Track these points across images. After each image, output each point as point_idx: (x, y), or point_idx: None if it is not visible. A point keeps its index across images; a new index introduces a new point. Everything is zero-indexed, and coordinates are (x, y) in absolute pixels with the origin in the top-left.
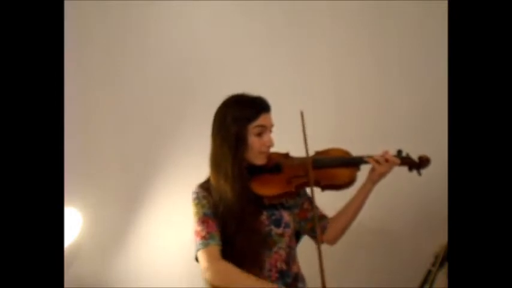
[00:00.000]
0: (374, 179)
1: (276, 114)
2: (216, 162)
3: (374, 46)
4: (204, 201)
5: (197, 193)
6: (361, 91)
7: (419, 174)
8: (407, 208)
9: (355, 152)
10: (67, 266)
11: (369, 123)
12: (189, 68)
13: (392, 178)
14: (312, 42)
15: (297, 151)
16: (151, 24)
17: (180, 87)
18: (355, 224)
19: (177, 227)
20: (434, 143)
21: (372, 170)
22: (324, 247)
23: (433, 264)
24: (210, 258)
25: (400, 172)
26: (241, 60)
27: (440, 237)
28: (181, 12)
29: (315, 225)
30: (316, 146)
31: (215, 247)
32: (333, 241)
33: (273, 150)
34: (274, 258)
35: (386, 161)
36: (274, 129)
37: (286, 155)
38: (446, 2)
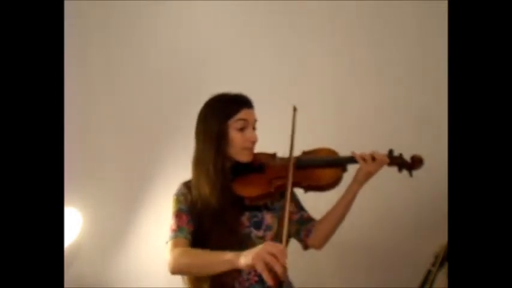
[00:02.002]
0: (360, 179)
1: (275, 114)
2: (197, 160)
3: (374, 46)
4: (182, 198)
5: (178, 190)
6: (361, 91)
7: (411, 175)
8: (407, 208)
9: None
10: (67, 266)
11: (368, 123)
12: (189, 67)
13: (392, 177)
14: (312, 42)
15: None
16: (151, 24)
17: (180, 87)
18: (354, 223)
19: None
20: (434, 142)
21: (359, 169)
22: (324, 246)
23: (433, 264)
24: (171, 248)
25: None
26: (241, 60)
27: (440, 237)
28: (182, 12)
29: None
30: (316, 146)
31: (181, 239)
32: (318, 245)
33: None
34: None
35: (374, 159)
36: (270, 129)
37: (273, 156)
38: (446, 2)
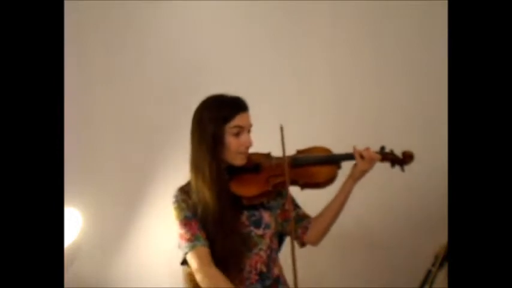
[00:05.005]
0: (355, 176)
1: (276, 114)
2: (194, 163)
3: (374, 46)
4: (183, 205)
5: (176, 196)
6: (361, 91)
7: (403, 170)
8: (407, 208)
9: None
10: (67, 266)
11: (368, 123)
12: (189, 68)
13: (392, 177)
14: (312, 42)
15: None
16: (151, 24)
17: (180, 87)
18: (355, 223)
19: (177, 227)
20: (434, 142)
21: (354, 166)
22: (324, 247)
23: (433, 264)
24: (200, 261)
25: (400, 171)
26: (241, 60)
27: (440, 237)
28: (182, 12)
29: (290, 227)
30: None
31: (202, 248)
32: (315, 241)
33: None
34: (255, 260)
35: (368, 156)
36: (272, 129)
37: (267, 155)
38: (446, 2)
